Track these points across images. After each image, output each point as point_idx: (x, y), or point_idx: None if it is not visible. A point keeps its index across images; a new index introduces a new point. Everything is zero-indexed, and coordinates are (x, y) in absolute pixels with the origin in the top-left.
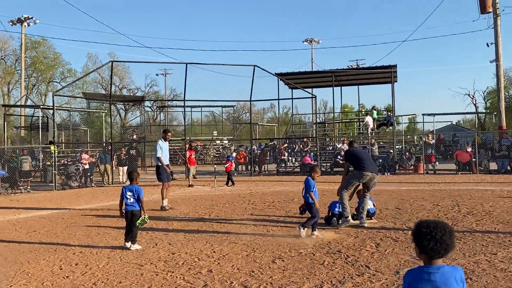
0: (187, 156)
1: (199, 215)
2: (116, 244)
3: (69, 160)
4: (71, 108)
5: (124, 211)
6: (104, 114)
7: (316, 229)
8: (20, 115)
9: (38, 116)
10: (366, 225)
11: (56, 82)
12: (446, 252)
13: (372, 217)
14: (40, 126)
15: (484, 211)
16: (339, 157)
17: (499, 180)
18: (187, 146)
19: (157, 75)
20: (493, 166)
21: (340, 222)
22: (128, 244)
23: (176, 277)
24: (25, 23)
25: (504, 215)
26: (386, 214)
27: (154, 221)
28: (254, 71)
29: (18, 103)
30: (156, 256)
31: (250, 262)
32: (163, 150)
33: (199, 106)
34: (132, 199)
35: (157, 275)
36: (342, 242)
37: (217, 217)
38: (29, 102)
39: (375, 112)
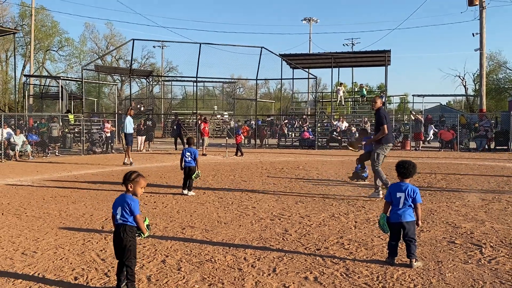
0: (202, 128)
1: (225, 176)
2: (174, 192)
3: (95, 128)
4: (96, 81)
5: (183, 167)
6: (101, 85)
7: None
8: (32, 84)
9: (48, 86)
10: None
11: (54, 50)
12: (410, 176)
13: (365, 180)
14: (60, 95)
15: (455, 178)
16: (335, 133)
17: (475, 157)
18: (199, 119)
19: (154, 47)
20: (473, 145)
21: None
22: (186, 191)
23: (232, 210)
24: None
25: (470, 181)
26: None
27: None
28: (261, 52)
29: (26, 73)
30: (210, 199)
31: (280, 203)
32: (128, 123)
33: (202, 82)
34: (189, 158)
35: (217, 208)
36: (344, 193)
37: (241, 177)
38: (35, 71)
39: (364, 89)
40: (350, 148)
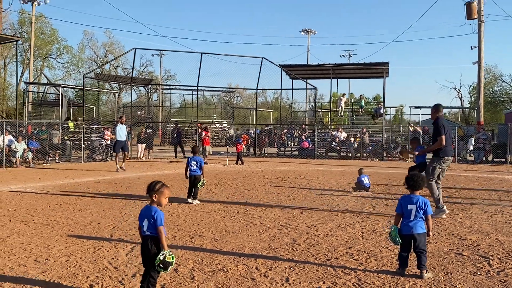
0: (202, 136)
1: (228, 185)
2: (178, 201)
3: (95, 135)
4: (95, 89)
5: (188, 175)
6: (99, 93)
7: None
8: (31, 91)
9: (46, 93)
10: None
11: (52, 58)
12: (419, 188)
13: (367, 190)
14: (60, 103)
15: (454, 190)
16: (333, 143)
17: (473, 169)
18: (199, 127)
19: (152, 55)
20: (470, 157)
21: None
22: (191, 200)
23: (238, 219)
24: (36, 2)
25: (470, 193)
26: (378, 188)
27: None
28: (261, 62)
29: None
30: (215, 208)
31: (285, 213)
32: (119, 131)
33: (202, 90)
34: (195, 167)
35: (224, 217)
36: (348, 204)
37: (243, 186)
38: (34, 79)
39: (363, 100)
40: (402, 156)
